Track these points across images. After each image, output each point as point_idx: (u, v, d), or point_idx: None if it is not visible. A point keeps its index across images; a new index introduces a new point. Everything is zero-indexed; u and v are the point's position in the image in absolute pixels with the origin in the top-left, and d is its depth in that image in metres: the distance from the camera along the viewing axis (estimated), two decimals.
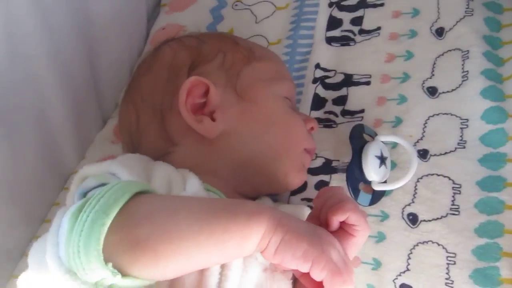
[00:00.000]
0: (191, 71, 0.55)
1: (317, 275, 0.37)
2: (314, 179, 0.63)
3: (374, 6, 0.73)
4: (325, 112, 0.68)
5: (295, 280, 0.46)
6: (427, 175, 0.58)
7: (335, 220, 0.43)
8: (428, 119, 0.62)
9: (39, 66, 0.64)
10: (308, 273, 0.38)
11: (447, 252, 0.53)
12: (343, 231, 0.44)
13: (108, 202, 0.36)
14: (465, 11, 0.66)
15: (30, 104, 0.64)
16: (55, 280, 0.36)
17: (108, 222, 0.35)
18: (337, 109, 0.68)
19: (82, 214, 0.36)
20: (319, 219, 0.46)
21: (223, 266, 0.40)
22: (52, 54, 0.66)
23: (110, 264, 0.34)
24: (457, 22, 0.65)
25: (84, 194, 0.45)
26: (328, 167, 0.64)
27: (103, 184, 0.43)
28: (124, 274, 0.35)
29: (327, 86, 0.70)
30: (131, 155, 0.53)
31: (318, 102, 0.69)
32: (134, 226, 0.36)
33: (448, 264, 0.53)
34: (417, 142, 0.61)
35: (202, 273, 0.39)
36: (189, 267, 0.37)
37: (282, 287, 0.43)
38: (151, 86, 0.57)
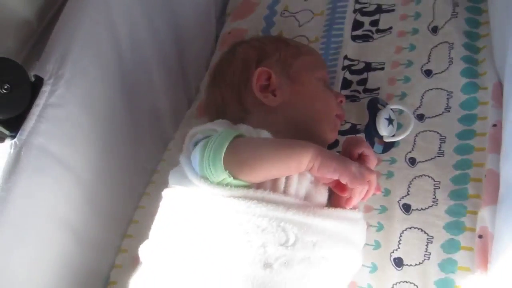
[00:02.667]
0: (258, 64, 0.81)
1: (343, 180, 0.62)
2: (343, 139, 0.87)
3: (388, 11, 0.97)
4: (351, 91, 0.93)
5: (331, 193, 0.72)
6: (423, 131, 0.82)
7: (356, 152, 0.69)
8: (425, 93, 0.85)
9: (149, 58, 0.94)
10: (338, 183, 0.64)
11: (434, 181, 0.77)
12: (360, 160, 0.69)
13: (221, 142, 0.63)
14: (451, 14, 0.89)
15: (144, 86, 0.93)
16: (193, 184, 0.64)
17: (224, 150, 0.62)
18: (360, 88, 0.92)
19: (207, 148, 0.63)
20: (345, 155, 0.71)
21: (287, 178, 0.66)
22: (160, 55, 0.96)
23: (227, 171, 0.61)
24: (445, 22, 0.89)
25: (195, 144, 0.72)
26: (353, 130, 0.89)
27: (207, 136, 0.70)
28: (234, 178, 0.62)
29: (352, 72, 0.94)
30: (221, 120, 0.79)
31: (346, 84, 0.93)
32: (238, 153, 0.62)
33: (434, 189, 0.76)
34: (416, 109, 0.85)
35: (275, 180, 0.65)
36: (269, 176, 0.64)
37: (322, 193, 0.69)
38: (232, 75, 0.83)
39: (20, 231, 0.69)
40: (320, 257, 0.63)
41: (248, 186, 0.63)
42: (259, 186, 0.64)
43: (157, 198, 0.85)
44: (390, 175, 0.82)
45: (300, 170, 0.64)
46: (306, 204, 0.66)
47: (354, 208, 0.70)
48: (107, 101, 0.84)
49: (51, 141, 0.73)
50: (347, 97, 0.91)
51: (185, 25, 1.03)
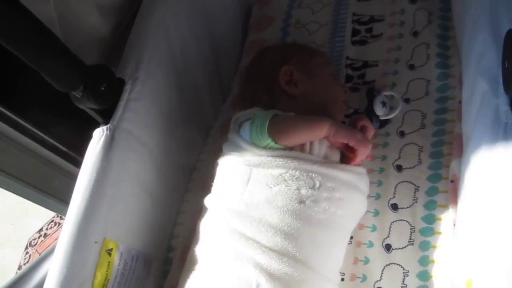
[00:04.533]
0: (282, 64, 1.06)
1: (351, 144, 0.89)
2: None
3: (378, 20, 1.23)
4: (353, 83, 1.18)
5: (342, 155, 0.97)
6: (409, 111, 1.08)
7: (359, 124, 0.95)
8: (410, 82, 1.11)
9: (194, 62, 1.20)
10: (347, 146, 0.90)
11: (418, 146, 1.02)
12: (362, 130, 0.95)
13: (265, 118, 0.88)
14: (427, 21, 1.16)
15: (191, 84, 1.19)
16: (244, 149, 0.90)
17: (267, 123, 0.88)
18: (359, 81, 1.17)
19: (255, 123, 0.88)
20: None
21: (311, 143, 0.90)
22: (202, 60, 1.22)
23: (270, 138, 0.87)
24: (423, 28, 1.15)
25: (239, 124, 0.97)
26: (356, 113, 1.14)
27: (248, 119, 0.96)
28: (275, 143, 0.88)
29: (353, 69, 1.19)
30: (256, 107, 1.04)
31: (348, 78, 1.18)
32: (277, 125, 0.87)
33: (419, 152, 1.01)
34: (404, 94, 1.10)
35: (302, 145, 0.89)
36: (299, 141, 0.89)
37: (336, 153, 0.94)
38: (262, 73, 1.08)
39: (116, 192, 0.94)
40: (337, 198, 0.89)
41: (284, 149, 0.89)
42: (291, 149, 0.90)
43: (204, 172, 1.12)
44: (385, 144, 1.07)
45: (321, 136, 0.90)
46: (325, 161, 0.92)
47: (358, 164, 0.95)
48: (167, 96, 1.10)
49: (133, 125, 0.98)
50: (349, 88, 1.16)
51: (219, 37, 1.29)
